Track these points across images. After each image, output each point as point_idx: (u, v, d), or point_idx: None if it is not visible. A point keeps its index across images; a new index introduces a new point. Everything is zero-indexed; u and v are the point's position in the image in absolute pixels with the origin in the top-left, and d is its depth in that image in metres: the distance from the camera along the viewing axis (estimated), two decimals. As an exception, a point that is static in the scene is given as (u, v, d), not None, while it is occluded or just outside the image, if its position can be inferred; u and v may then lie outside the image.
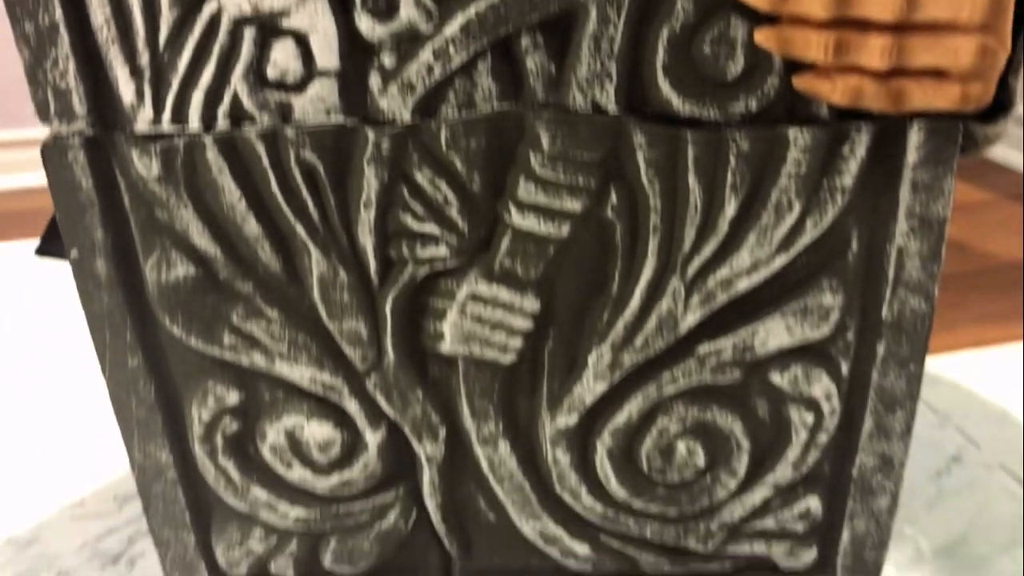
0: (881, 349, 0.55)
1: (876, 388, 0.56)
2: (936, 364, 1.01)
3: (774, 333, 0.54)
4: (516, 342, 0.55)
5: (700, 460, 0.58)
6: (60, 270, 0.68)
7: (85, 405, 0.92)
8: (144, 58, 0.48)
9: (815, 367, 0.56)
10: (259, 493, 0.60)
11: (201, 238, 0.52)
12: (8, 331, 1.13)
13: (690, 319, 0.54)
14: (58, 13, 0.47)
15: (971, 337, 1.12)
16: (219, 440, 0.58)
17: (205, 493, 0.61)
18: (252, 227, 0.52)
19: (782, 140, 0.49)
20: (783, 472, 0.59)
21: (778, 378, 0.56)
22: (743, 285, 0.53)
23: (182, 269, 0.53)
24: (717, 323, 0.54)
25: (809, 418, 0.57)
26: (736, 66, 0.47)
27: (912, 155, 0.50)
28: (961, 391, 0.96)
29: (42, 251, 0.73)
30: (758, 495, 0.60)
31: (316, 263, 0.53)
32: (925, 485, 0.80)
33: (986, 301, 1.26)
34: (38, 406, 0.96)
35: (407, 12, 0.47)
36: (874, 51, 0.44)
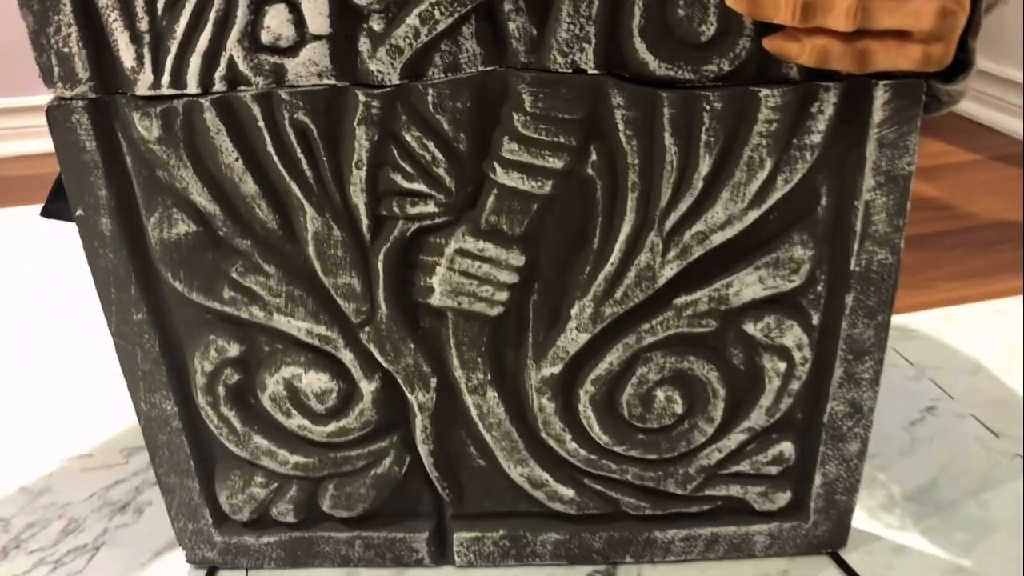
0: (850, 300, 0.57)
1: (845, 337, 0.58)
2: (914, 319, 1.04)
3: (747, 285, 0.57)
4: (502, 295, 0.57)
5: (678, 407, 0.61)
6: (64, 233, 0.70)
7: (91, 362, 0.94)
8: (143, 24, 0.50)
9: (787, 317, 0.58)
10: (260, 441, 0.63)
11: (201, 197, 0.54)
12: (15, 292, 1.15)
13: (667, 272, 0.56)
14: (60, -19, 0.48)
15: (950, 294, 1.14)
16: (221, 391, 0.61)
17: (208, 442, 0.64)
18: (249, 186, 0.54)
19: (753, 100, 0.51)
20: (757, 418, 0.61)
21: (752, 328, 0.58)
22: (717, 239, 0.55)
23: (183, 227, 0.55)
24: (693, 275, 0.56)
25: (782, 366, 0.59)
26: (709, 29, 0.49)
27: (878, 114, 0.51)
28: (938, 345, 0.98)
29: (47, 213, 0.75)
30: (734, 440, 0.62)
31: (311, 220, 0.55)
32: (899, 434, 0.83)
33: (966, 259, 1.28)
34: (47, 364, 0.98)
35: (394, -22, 0.48)
36: (840, 13, 0.46)
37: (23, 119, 1.93)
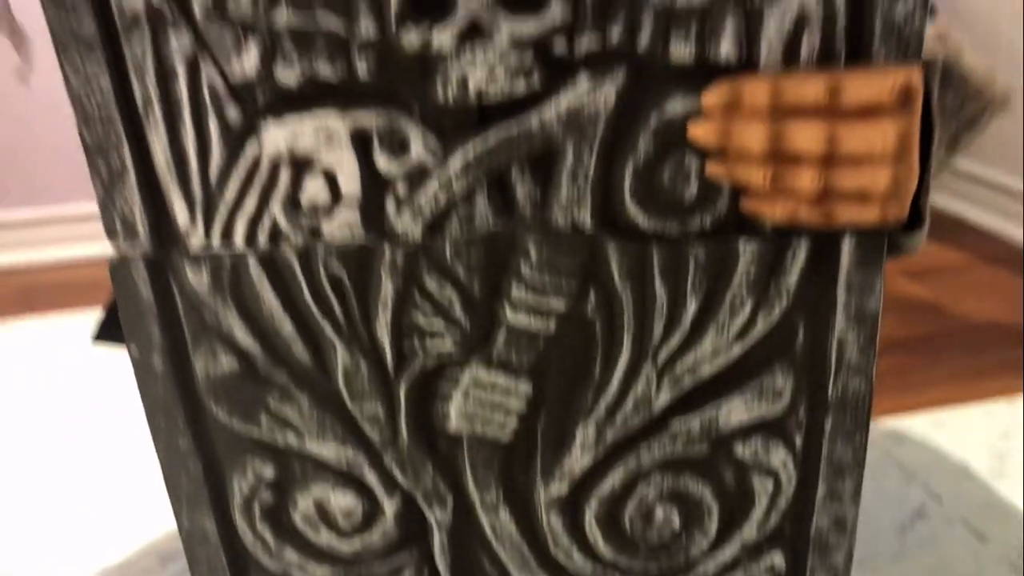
0: (829, 424, 0.62)
1: (827, 458, 0.63)
2: (906, 423, 1.08)
3: (735, 411, 0.62)
4: (512, 421, 0.62)
5: (676, 523, 0.65)
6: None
7: (131, 475, 0.99)
8: (197, 191, 0.56)
9: (773, 440, 0.63)
10: (291, 556, 0.67)
11: (243, 337, 0.60)
12: (65, 397, 1.20)
13: (662, 400, 0.61)
14: (127, 156, 0.55)
15: (941, 396, 1.18)
16: (257, 509, 0.65)
17: (244, 555, 0.68)
18: (287, 328, 0.60)
19: (734, 251, 0.56)
20: (749, 532, 0.65)
21: (741, 450, 0.63)
22: (706, 370, 0.60)
23: (227, 363, 0.61)
24: (686, 403, 0.61)
25: (769, 484, 0.64)
26: (691, 191, 0.55)
27: (846, 261, 0.57)
28: (927, 449, 1.02)
29: (98, 338, 0.81)
30: (728, 553, 0.66)
31: (341, 356, 0.60)
32: (890, 539, 0.86)
33: (957, 360, 1.32)
34: (89, 474, 1.03)
35: (416, 152, 0.55)
36: (805, 179, 0.52)
37: (76, 228, 2.04)
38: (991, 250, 1.77)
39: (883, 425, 0.99)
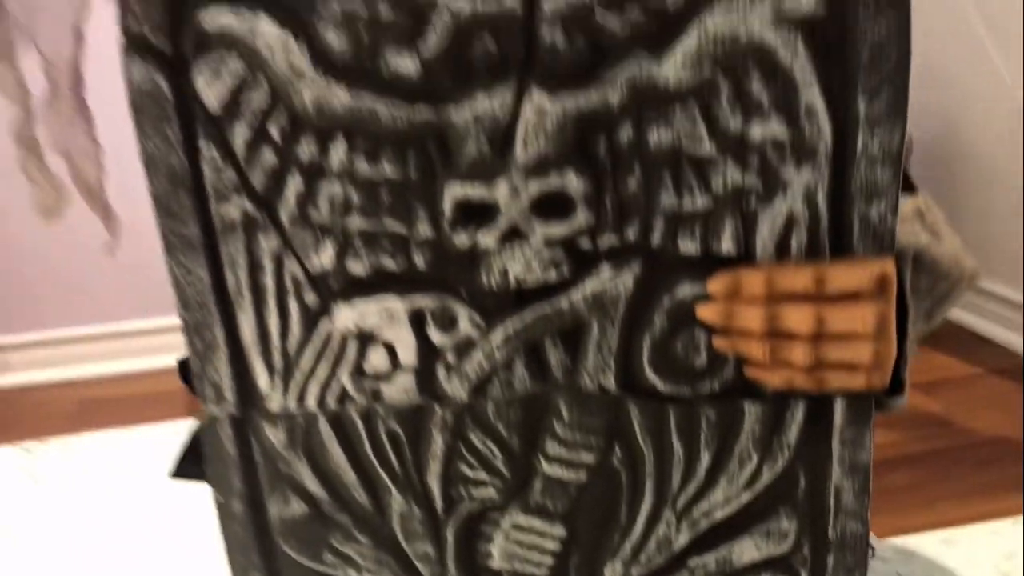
0: (831, 561, 0.68)
1: (831, 592, 0.69)
2: (915, 541, 1.12)
3: (746, 550, 0.68)
4: (548, 560, 0.69)
5: (697, 650, 0.71)
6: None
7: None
8: (278, 361, 0.64)
9: (781, 575, 0.69)
10: None
11: (312, 485, 0.68)
12: (126, 516, 1.26)
13: (681, 540, 0.67)
14: (219, 333, 0.64)
15: (950, 514, 1.22)
16: (319, 636, 0.72)
17: None
18: (350, 476, 0.67)
19: (740, 411, 0.64)
20: (764, 659, 0.71)
21: (753, 584, 0.69)
22: (720, 514, 0.67)
23: (297, 507, 0.68)
24: (702, 542, 0.68)
25: (780, 615, 0.70)
26: (701, 360, 0.63)
27: (838, 420, 0.64)
28: (936, 567, 1.06)
29: (177, 474, 0.89)
30: None
31: (396, 502, 0.68)
32: (901, 660, 0.90)
33: (966, 477, 1.36)
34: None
35: (464, 327, 0.63)
36: (798, 354, 0.59)
37: (132, 342, 2.15)
38: (999, 360, 1.82)
39: (892, 543, 1.04)
